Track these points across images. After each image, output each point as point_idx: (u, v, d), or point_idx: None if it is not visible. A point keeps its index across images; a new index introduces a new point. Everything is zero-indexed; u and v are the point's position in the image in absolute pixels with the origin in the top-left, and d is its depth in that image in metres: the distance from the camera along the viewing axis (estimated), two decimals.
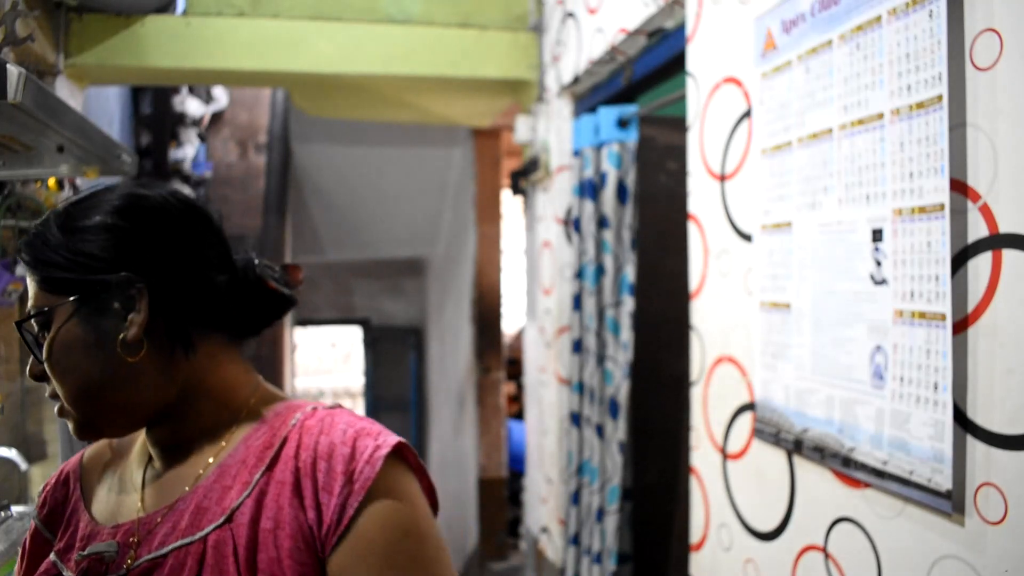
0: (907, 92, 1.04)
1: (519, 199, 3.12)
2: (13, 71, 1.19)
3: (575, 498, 2.39)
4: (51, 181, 2.09)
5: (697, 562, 1.65)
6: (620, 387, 2.17)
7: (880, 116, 1.09)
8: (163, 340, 0.79)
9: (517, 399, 5.17)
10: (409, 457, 0.80)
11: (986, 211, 0.94)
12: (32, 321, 0.80)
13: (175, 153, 5.32)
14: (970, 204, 0.96)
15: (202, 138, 5.60)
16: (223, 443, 0.82)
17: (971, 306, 0.96)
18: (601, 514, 2.23)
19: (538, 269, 2.83)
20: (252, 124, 5.92)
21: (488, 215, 4.32)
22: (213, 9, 2.52)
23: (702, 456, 1.64)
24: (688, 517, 1.69)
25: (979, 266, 0.95)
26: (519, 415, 4.75)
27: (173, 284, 0.80)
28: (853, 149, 1.15)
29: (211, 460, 0.81)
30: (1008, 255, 0.91)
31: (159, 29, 2.47)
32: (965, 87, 0.96)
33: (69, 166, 1.71)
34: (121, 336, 0.77)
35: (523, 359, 3.16)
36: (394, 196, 5.02)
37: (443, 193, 5.03)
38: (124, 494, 0.86)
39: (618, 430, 2.18)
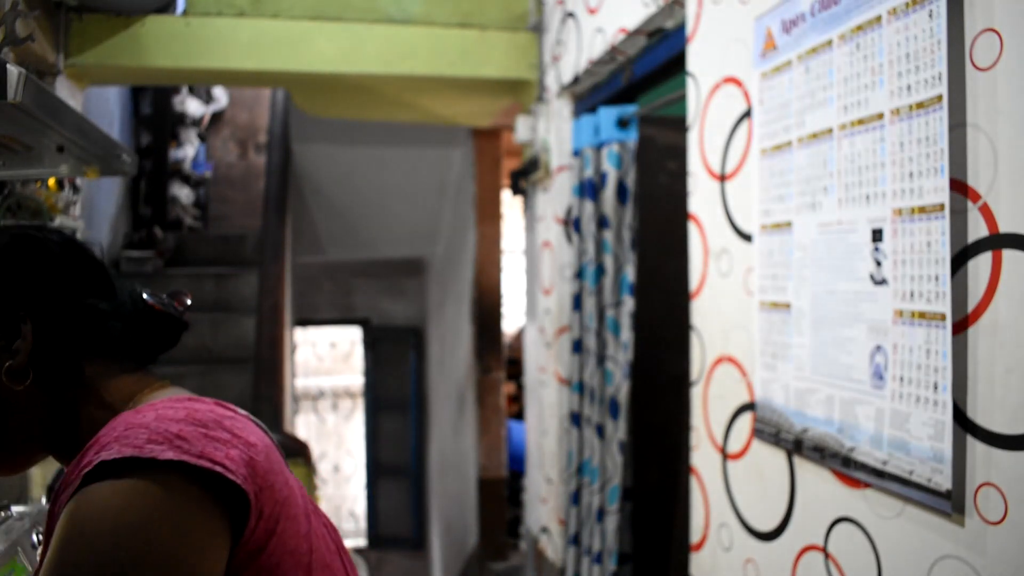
0: (907, 92, 1.04)
1: (519, 199, 3.12)
2: (13, 71, 1.19)
3: (575, 498, 2.39)
4: (51, 181, 2.09)
5: (697, 562, 1.65)
6: (620, 387, 2.17)
7: (880, 116, 1.09)
8: (50, 367, 0.81)
9: (517, 399, 5.17)
10: (139, 466, 0.67)
11: (986, 211, 0.94)
12: None
13: (175, 153, 5.32)
14: (970, 204, 0.96)
15: (202, 138, 5.61)
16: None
17: (971, 306, 0.96)
18: (601, 514, 2.23)
19: (538, 269, 2.83)
20: (252, 124, 5.93)
21: (488, 215, 4.31)
22: (213, 9, 2.52)
23: (702, 456, 1.64)
24: (688, 517, 1.69)
25: (979, 266, 0.95)
26: (519, 415, 4.75)
27: (55, 314, 0.83)
28: (853, 149, 1.15)
29: None
30: (1008, 255, 0.91)
31: (159, 29, 2.47)
32: (965, 87, 0.96)
33: (69, 166, 1.71)
34: (7, 364, 0.79)
35: (523, 359, 3.16)
36: (394, 196, 5.02)
37: (443, 193, 5.03)
38: None
39: (618, 430, 2.18)
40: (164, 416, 0.71)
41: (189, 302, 0.96)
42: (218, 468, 0.68)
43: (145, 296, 0.91)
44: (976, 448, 0.95)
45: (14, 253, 0.84)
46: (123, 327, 0.87)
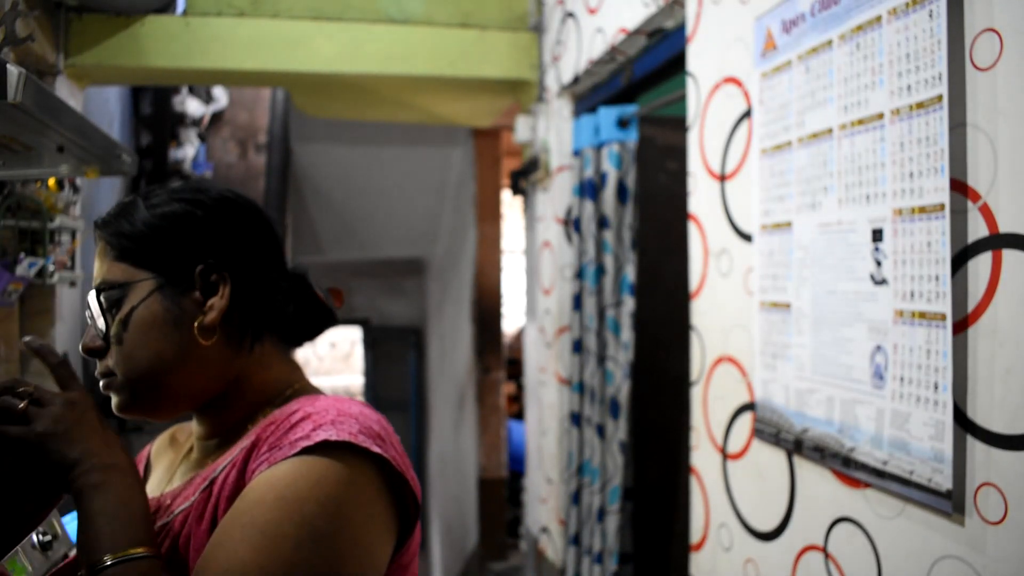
0: (907, 92, 1.04)
1: (519, 199, 3.12)
2: (13, 71, 1.19)
3: (575, 498, 2.39)
4: (51, 181, 2.09)
5: (697, 562, 1.65)
6: (621, 387, 2.17)
7: (880, 116, 1.09)
8: (233, 330, 0.83)
9: (517, 399, 5.17)
10: (352, 452, 0.72)
11: (986, 211, 0.94)
12: (103, 295, 0.81)
13: (175, 153, 5.32)
14: (970, 204, 0.96)
15: (202, 138, 5.61)
16: (245, 434, 0.83)
17: (971, 306, 0.96)
18: (602, 514, 2.23)
19: (538, 269, 2.83)
20: (252, 124, 5.92)
21: (488, 215, 4.31)
22: (213, 9, 2.52)
23: (702, 456, 1.64)
24: (688, 517, 1.69)
25: (979, 266, 0.95)
26: (519, 415, 4.75)
27: (251, 279, 0.84)
28: (853, 149, 1.15)
29: (225, 453, 0.82)
30: (1008, 255, 0.91)
31: (159, 29, 2.47)
32: (965, 87, 0.96)
33: (69, 166, 1.71)
34: (199, 320, 0.80)
35: (523, 359, 3.16)
36: (394, 196, 5.02)
37: (443, 193, 5.03)
38: (164, 478, 0.91)
39: (619, 430, 2.18)
40: (365, 414, 0.77)
41: (342, 304, 0.97)
42: (409, 477, 0.76)
43: (312, 283, 0.92)
44: (976, 448, 0.95)
45: (226, 210, 0.85)
46: (294, 308, 0.89)
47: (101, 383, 0.82)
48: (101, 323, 0.81)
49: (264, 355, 0.86)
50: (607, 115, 2.21)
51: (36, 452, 0.72)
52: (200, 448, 0.88)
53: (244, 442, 0.79)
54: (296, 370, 0.90)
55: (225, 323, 0.82)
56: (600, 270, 2.26)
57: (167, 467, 0.93)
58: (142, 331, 0.80)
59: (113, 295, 0.80)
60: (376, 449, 0.73)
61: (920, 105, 1.01)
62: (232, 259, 0.83)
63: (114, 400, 0.82)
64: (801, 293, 1.28)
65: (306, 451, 0.71)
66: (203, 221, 0.83)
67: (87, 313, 0.83)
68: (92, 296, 0.81)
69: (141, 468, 0.97)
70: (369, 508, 0.72)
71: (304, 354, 9.32)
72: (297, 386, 0.87)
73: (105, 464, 0.73)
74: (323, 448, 0.71)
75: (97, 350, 0.81)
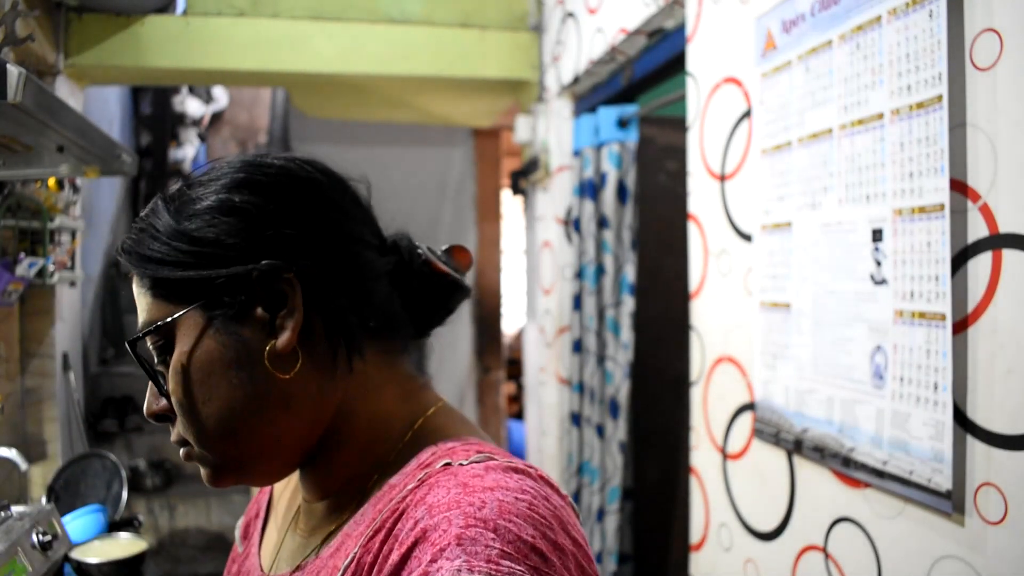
0: (907, 92, 1.04)
1: (519, 199, 3.12)
2: (13, 71, 1.19)
3: (575, 498, 2.39)
4: (51, 181, 2.09)
5: (697, 562, 1.65)
6: (620, 387, 2.17)
7: (880, 116, 1.09)
8: (321, 346, 0.61)
9: (517, 399, 5.17)
10: None
11: (986, 211, 0.94)
12: (148, 342, 0.61)
13: (175, 153, 5.32)
14: (970, 204, 0.96)
15: (202, 138, 5.61)
16: (358, 502, 0.62)
17: (971, 306, 0.96)
18: (601, 514, 2.23)
19: (538, 269, 2.83)
20: (252, 124, 5.92)
21: (488, 215, 4.32)
22: (213, 9, 2.52)
23: (702, 456, 1.64)
24: (688, 517, 1.69)
25: (979, 266, 0.95)
26: (519, 415, 4.75)
27: (328, 270, 0.60)
28: (853, 149, 1.15)
29: (339, 525, 0.63)
30: (1008, 255, 0.91)
31: (159, 29, 2.47)
32: (965, 87, 0.96)
33: (69, 166, 1.71)
34: (270, 345, 0.59)
35: (523, 359, 3.16)
36: (394, 196, 5.00)
37: (443, 193, 5.03)
38: (278, 539, 0.72)
39: (618, 430, 2.18)
40: (507, 509, 0.52)
41: (470, 262, 0.73)
42: None
43: (421, 252, 0.68)
44: (976, 448, 0.95)
45: (265, 188, 0.61)
46: (403, 295, 0.66)
47: (182, 453, 0.63)
48: (158, 379, 0.62)
49: (370, 374, 0.63)
50: (607, 115, 2.21)
51: None
52: (305, 514, 0.68)
53: (355, 529, 0.60)
54: (419, 389, 0.67)
55: (306, 342, 0.60)
56: (600, 270, 2.26)
57: (281, 525, 0.73)
58: (200, 382, 0.59)
59: (158, 341, 0.60)
60: None
61: (920, 105, 1.01)
62: (293, 251, 0.59)
63: (203, 474, 0.63)
64: (801, 293, 1.28)
65: None
66: (239, 214, 0.60)
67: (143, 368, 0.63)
68: (135, 347, 0.62)
69: (263, 506, 0.78)
70: None
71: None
72: (420, 422, 0.64)
73: None
74: None
75: (161, 414, 0.63)
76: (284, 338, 0.59)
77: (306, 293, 0.59)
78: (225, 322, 0.59)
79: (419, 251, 0.68)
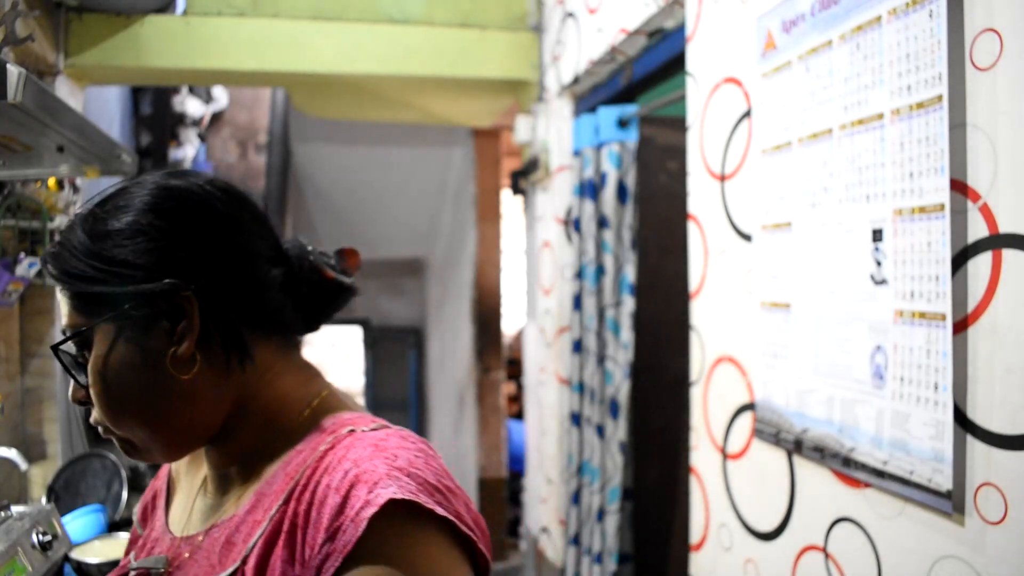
0: (907, 92, 1.04)
1: (519, 199, 3.12)
2: (13, 71, 1.19)
3: (575, 498, 2.39)
4: (51, 181, 2.09)
5: (697, 562, 1.65)
6: (620, 387, 2.17)
7: (880, 116, 1.09)
8: (217, 351, 0.71)
9: (517, 399, 5.17)
10: (420, 510, 0.63)
11: (986, 211, 0.94)
12: (70, 342, 0.71)
13: (175, 153, 5.31)
14: (970, 204, 0.96)
15: (202, 138, 5.60)
16: (266, 467, 0.73)
17: (971, 306, 0.96)
18: (602, 514, 2.23)
19: (538, 269, 2.83)
20: (252, 124, 5.92)
21: (488, 215, 4.31)
22: (213, 9, 2.52)
23: (702, 456, 1.64)
24: (688, 517, 1.69)
25: (979, 266, 0.95)
26: (519, 415, 4.75)
27: (223, 285, 0.70)
28: (853, 149, 1.15)
29: (250, 487, 0.73)
30: (1008, 255, 0.91)
31: (159, 29, 2.47)
32: (965, 87, 0.96)
33: (69, 166, 1.71)
34: (172, 351, 0.69)
35: (523, 359, 3.16)
36: (394, 196, 5.02)
37: (443, 193, 5.03)
38: (186, 505, 0.81)
39: (618, 430, 2.18)
40: (412, 461, 0.66)
41: (359, 263, 0.83)
42: (473, 536, 0.66)
43: (313, 259, 0.78)
44: (976, 448, 0.95)
45: (169, 212, 0.70)
46: (293, 298, 0.76)
47: (101, 431, 0.73)
48: (75, 376, 0.73)
49: (267, 367, 0.74)
50: (607, 115, 2.21)
51: None
52: (213, 479, 0.78)
53: (269, 489, 0.70)
54: (312, 377, 0.78)
55: (204, 346, 0.69)
56: (600, 270, 2.26)
57: (188, 493, 0.83)
58: (116, 379, 0.69)
59: (78, 341, 0.70)
60: (441, 511, 0.63)
61: (920, 105, 1.01)
62: (192, 269, 0.69)
63: (120, 448, 0.74)
64: (801, 293, 1.28)
65: (372, 529, 0.61)
66: (145, 236, 0.68)
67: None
68: (57, 347, 0.72)
69: (162, 486, 0.88)
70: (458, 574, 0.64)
71: (304, 354, 9.33)
72: (316, 402, 0.75)
73: None
74: (389, 519, 0.61)
75: (82, 401, 0.73)
76: (183, 347, 0.69)
77: (203, 306, 0.69)
78: (134, 331, 0.69)
79: (309, 258, 0.78)
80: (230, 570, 0.67)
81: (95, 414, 0.72)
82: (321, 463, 0.67)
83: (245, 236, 0.73)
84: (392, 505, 0.61)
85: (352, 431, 0.70)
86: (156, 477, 0.90)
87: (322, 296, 0.78)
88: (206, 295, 0.69)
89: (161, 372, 0.69)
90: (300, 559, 0.64)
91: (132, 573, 0.76)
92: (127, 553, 0.86)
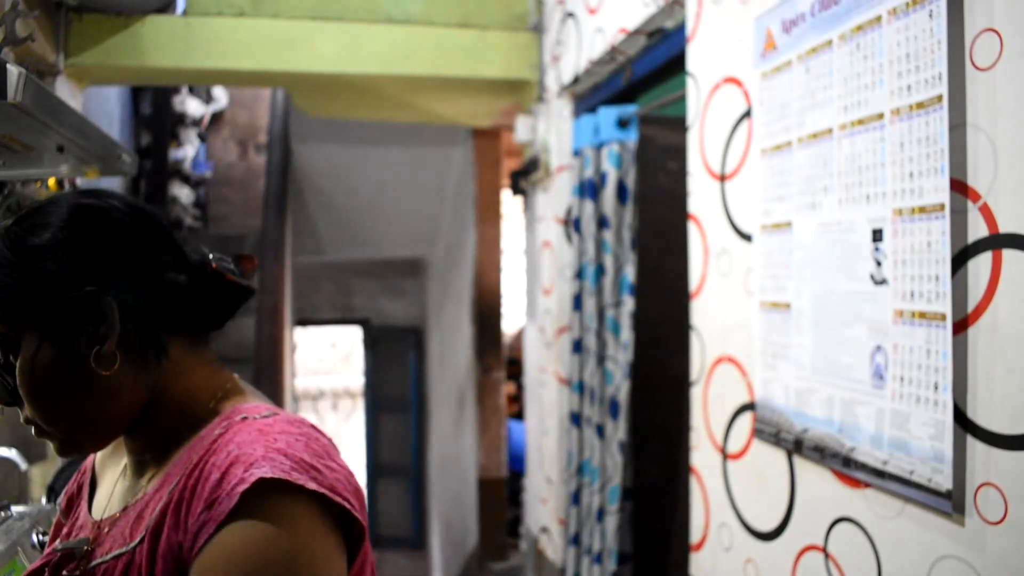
0: (907, 92, 1.04)
1: (519, 199, 3.12)
2: (13, 71, 1.19)
3: (575, 498, 2.39)
4: (51, 181, 2.09)
5: (697, 562, 1.65)
6: (620, 387, 2.17)
7: (880, 116, 1.09)
8: (135, 349, 0.79)
9: (517, 399, 5.17)
10: (290, 487, 0.71)
11: (986, 211, 0.94)
12: None
13: (175, 153, 5.32)
14: (970, 204, 0.96)
15: (202, 138, 5.61)
16: (176, 451, 0.81)
17: (971, 306, 0.96)
18: (601, 514, 2.23)
19: (538, 269, 2.83)
20: (252, 124, 5.92)
21: (488, 215, 4.31)
22: (213, 9, 2.52)
23: (702, 456, 1.64)
24: (688, 517, 1.69)
25: (979, 266, 0.95)
26: (519, 415, 4.75)
27: (136, 290, 0.79)
28: (853, 149, 1.15)
29: (162, 469, 0.81)
30: (1008, 255, 0.91)
31: (159, 29, 2.47)
32: (965, 87, 0.96)
33: (69, 166, 1.71)
34: (95, 351, 0.77)
35: (523, 359, 3.16)
36: (394, 196, 5.02)
37: (443, 193, 5.03)
38: (108, 491, 0.89)
39: (618, 430, 2.18)
40: (293, 444, 0.75)
41: (254, 267, 0.93)
42: (347, 505, 0.73)
43: (215, 263, 0.87)
44: (976, 448, 0.95)
45: (84, 227, 0.79)
46: (198, 299, 0.85)
47: (33, 431, 0.81)
48: (4, 378, 0.79)
49: (178, 362, 0.82)
50: (607, 115, 2.21)
51: None
52: (132, 465, 0.86)
53: (175, 470, 0.78)
54: (219, 370, 0.87)
55: (123, 345, 0.78)
56: (600, 270, 2.26)
57: (110, 480, 0.91)
58: (43, 382, 0.77)
59: (6, 348, 0.78)
60: (312, 485, 0.71)
61: (920, 105, 1.01)
62: (109, 278, 0.78)
63: (53, 446, 0.82)
64: (801, 293, 1.28)
65: (245, 501, 0.69)
66: (64, 251, 0.77)
67: None
68: None
69: (86, 479, 0.95)
70: (323, 550, 0.72)
71: (304, 354, 9.32)
72: (221, 393, 0.84)
73: None
74: (262, 493, 0.69)
75: (8, 402, 0.80)
76: (106, 346, 0.77)
77: (122, 309, 0.77)
78: (59, 335, 0.77)
79: (212, 264, 0.86)
80: (136, 541, 0.76)
81: (25, 412, 0.80)
82: (213, 445, 0.76)
83: (152, 247, 0.82)
84: (263, 484, 0.70)
85: (244, 418, 0.79)
86: (80, 471, 0.98)
87: (224, 297, 0.87)
88: (123, 300, 0.78)
89: (85, 370, 0.77)
90: (183, 526, 0.72)
91: (57, 555, 0.82)
92: (51, 541, 0.92)
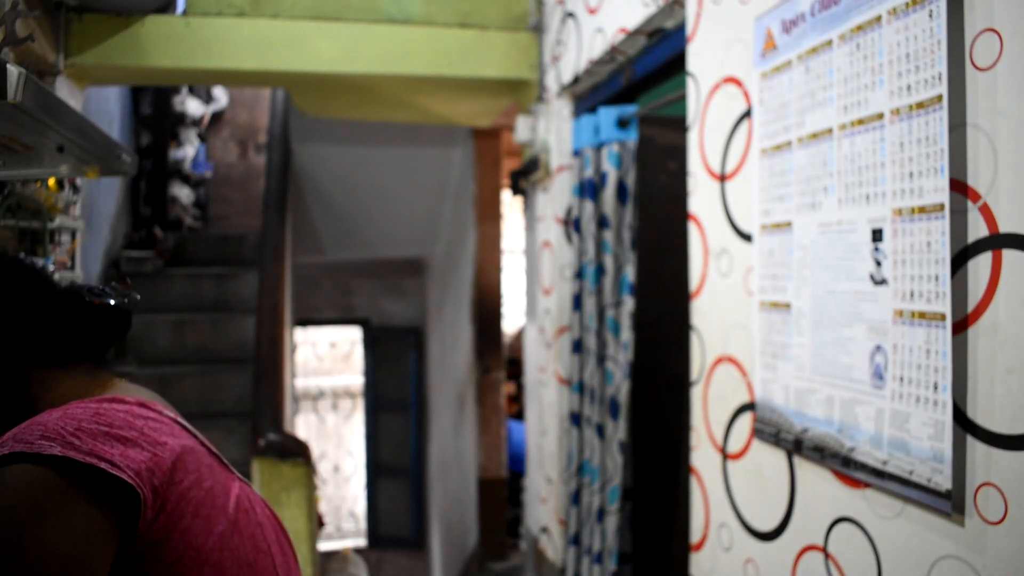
0: (907, 92, 1.04)
1: (519, 199, 3.12)
2: (13, 71, 1.19)
3: (575, 498, 2.39)
4: (51, 181, 2.09)
5: (697, 562, 1.65)
6: (620, 387, 2.17)
7: (880, 116, 1.09)
8: (18, 374, 0.86)
9: (517, 399, 5.17)
10: (25, 458, 0.73)
11: (986, 211, 0.94)
12: None
13: (175, 153, 5.32)
14: (970, 204, 0.96)
15: (202, 138, 5.61)
16: None
17: (971, 306, 0.96)
18: (601, 514, 2.23)
19: (538, 269, 2.83)
20: (252, 124, 5.92)
21: (488, 215, 4.31)
22: (213, 9, 2.52)
23: (702, 456, 1.64)
24: (688, 517, 1.69)
25: (979, 266, 0.95)
26: (519, 415, 4.75)
27: (14, 336, 0.86)
28: (853, 149, 1.15)
29: None
30: (1008, 255, 0.91)
31: (159, 29, 2.47)
32: (965, 87, 0.96)
33: (69, 166, 1.71)
34: None
35: (523, 359, 3.16)
36: (394, 196, 5.02)
37: (443, 193, 5.03)
38: None
39: (618, 430, 2.18)
40: (70, 415, 0.76)
41: (127, 289, 0.99)
42: (103, 464, 0.73)
43: (83, 294, 0.93)
44: (976, 448, 0.95)
45: None
46: (63, 328, 0.90)
47: None
48: None
49: (47, 385, 0.88)
50: (607, 115, 2.21)
51: None
52: None
53: None
54: (91, 386, 0.90)
55: (6, 374, 0.86)
56: (600, 270, 2.26)
57: None
58: None
59: None
60: (55, 451, 0.72)
61: (920, 105, 1.01)
62: None
63: None
64: (801, 293, 1.28)
65: None
66: None
67: None
68: None
69: None
70: (52, 512, 0.71)
71: (304, 354, 9.32)
72: (97, 393, 0.89)
73: None
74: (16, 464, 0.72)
75: None
76: None
77: (3, 350, 0.86)
78: None
79: (81, 294, 0.93)
80: None
81: None
82: None
83: (28, 291, 0.89)
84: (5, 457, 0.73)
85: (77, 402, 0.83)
86: None
87: (98, 320, 0.93)
88: (3, 341, 0.86)
89: None
90: None
91: None
92: None
